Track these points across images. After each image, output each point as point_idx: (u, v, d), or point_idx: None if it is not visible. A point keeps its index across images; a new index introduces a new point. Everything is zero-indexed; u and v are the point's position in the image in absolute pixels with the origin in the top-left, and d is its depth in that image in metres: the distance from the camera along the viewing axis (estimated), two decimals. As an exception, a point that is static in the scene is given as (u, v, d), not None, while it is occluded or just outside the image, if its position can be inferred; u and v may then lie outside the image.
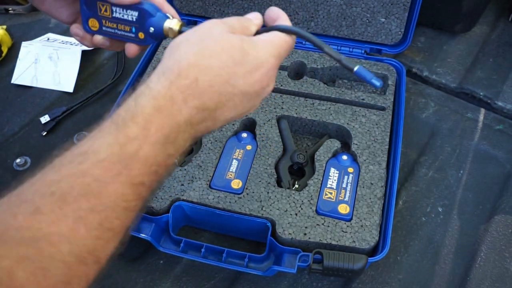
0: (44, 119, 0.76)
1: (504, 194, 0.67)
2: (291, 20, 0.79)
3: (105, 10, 0.50)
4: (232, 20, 0.43)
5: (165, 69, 0.39)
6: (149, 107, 0.37)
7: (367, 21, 0.77)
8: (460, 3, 0.83)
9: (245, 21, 0.45)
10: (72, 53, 0.84)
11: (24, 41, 0.87)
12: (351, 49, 0.79)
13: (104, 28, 0.51)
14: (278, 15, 0.46)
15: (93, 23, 0.51)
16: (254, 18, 0.46)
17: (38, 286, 0.30)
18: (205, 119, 0.40)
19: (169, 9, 0.49)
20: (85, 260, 0.33)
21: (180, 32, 0.47)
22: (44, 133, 0.75)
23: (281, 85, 0.74)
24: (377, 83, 0.44)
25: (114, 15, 0.50)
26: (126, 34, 0.50)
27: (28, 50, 0.85)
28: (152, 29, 0.48)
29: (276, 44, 0.43)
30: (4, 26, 0.89)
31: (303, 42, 0.81)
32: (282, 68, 0.76)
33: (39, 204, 0.32)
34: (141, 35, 0.49)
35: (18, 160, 0.72)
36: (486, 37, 0.89)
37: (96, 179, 0.34)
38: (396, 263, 0.61)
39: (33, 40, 0.87)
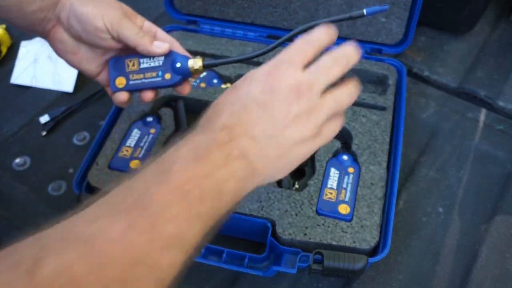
0: (44, 119, 0.76)
1: (505, 194, 0.67)
2: (291, 20, 0.80)
3: (133, 65, 0.55)
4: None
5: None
6: (177, 142, 0.41)
7: (368, 21, 0.77)
8: (461, 3, 0.83)
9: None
10: (72, 52, 0.84)
11: (23, 40, 0.87)
12: (351, 49, 0.79)
13: (131, 82, 0.55)
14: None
15: (120, 81, 0.55)
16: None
17: (96, 281, 0.32)
18: (234, 137, 0.41)
19: (185, 53, 0.55)
20: (139, 261, 0.34)
21: (204, 66, 0.53)
22: (44, 133, 0.75)
23: (281, 85, 0.73)
24: (385, 6, 0.47)
25: (141, 66, 0.54)
26: (152, 80, 0.54)
27: (27, 49, 0.85)
28: (179, 64, 0.53)
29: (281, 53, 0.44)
30: (4, 26, 0.89)
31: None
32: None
33: (95, 214, 0.36)
34: (167, 75, 0.53)
35: (17, 160, 0.71)
36: (487, 37, 0.89)
37: (143, 191, 0.37)
38: (397, 263, 0.61)
39: (32, 40, 0.87)
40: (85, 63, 0.56)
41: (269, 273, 0.56)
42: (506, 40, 0.89)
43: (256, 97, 0.42)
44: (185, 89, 0.56)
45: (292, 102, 0.42)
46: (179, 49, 0.55)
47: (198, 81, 0.75)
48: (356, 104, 0.71)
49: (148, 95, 0.55)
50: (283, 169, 0.45)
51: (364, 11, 0.47)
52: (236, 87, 0.44)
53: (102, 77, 0.57)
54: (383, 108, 0.71)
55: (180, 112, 0.71)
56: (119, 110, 0.71)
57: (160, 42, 0.53)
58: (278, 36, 0.82)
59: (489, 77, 0.83)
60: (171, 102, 0.73)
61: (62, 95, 0.81)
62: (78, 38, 0.54)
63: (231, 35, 0.82)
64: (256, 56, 0.52)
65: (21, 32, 0.90)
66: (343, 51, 0.44)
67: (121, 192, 0.38)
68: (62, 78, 0.82)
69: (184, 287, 0.59)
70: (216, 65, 0.54)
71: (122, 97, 0.55)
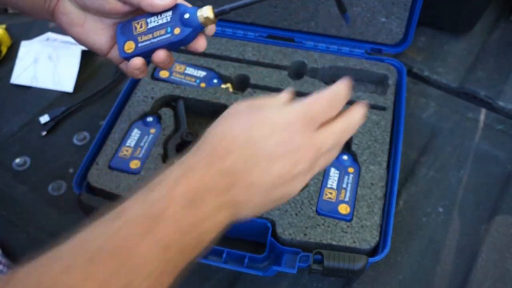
0: (44, 119, 0.76)
1: (505, 194, 0.67)
2: (291, 20, 0.80)
3: (140, 26, 0.52)
4: (260, 99, 0.46)
5: (190, 150, 0.43)
6: (173, 174, 0.39)
7: (368, 20, 0.77)
8: (461, 3, 0.83)
9: (273, 95, 0.46)
10: (72, 52, 0.84)
11: (24, 40, 0.87)
12: (351, 49, 0.79)
13: (139, 45, 0.51)
14: None
15: (129, 46, 0.52)
16: (285, 93, 0.47)
17: None
18: (234, 186, 0.40)
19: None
20: None
21: (215, 14, 0.49)
22: (44, 133, 0.75)
23: (281, 85, 0.73)
24: None
25: (149, 26, 0.51)
26: (162, 37, 0.51)
27: (28, 49, 0.85)
28: (187, 15, 0.49)
29: (303, 105, 0.43)
30: (4, 26, 0.89)
31: (303, 42, 0.80)
32: (282, 68, 0.76)
33: (71, 262, 0.33)
34: (176, 30, 0.50)
35: (17, 160, 0.71)
36: (487, 36, 0.89)
37: (125, 240, 0.35)
38: (397, 263, 0.61)
39: (32, 40, 0.87)
40: (93, 36, 0.53)
41: (269, 273, 0.56)
42: (506, 40, 0.88)
43: (270, 148, 0.41)
44: (200, 44, 0.52)
45: (300, 162, 0.42)
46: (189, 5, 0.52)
47: (198, 81, 0.75)
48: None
49: (160, 55, 0.51)
50: (260, 212, 0.44)
51: None
52: (252, 126, 0.41)
53: (114, 54, 0.54)
54: (383, 108, 0.71)
55: (180, 112, 0.71)
56: (119, 110, 0.71)
57: None
58: (278, 36, 0.83)
59: (489, 77, 0.83)
60: (171, 102, 0.73)
61: (62, 95, 0.81)
62: (83, 5, 0.51)
63: (231, 35, 0.82)
64: None
65: (21, 32, 0.90)
66: (357, 118, 0.45)
67: (103, 232, 0.36)
68: (62, 78, 0.82)
69: (184, 287, 0.59)
70: (227, 11, 0.50)
71: (137, 62, 0.51)
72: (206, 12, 0.49)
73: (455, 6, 0.84)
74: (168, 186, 0.38)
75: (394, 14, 0.75)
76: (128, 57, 0.52)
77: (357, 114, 0.45)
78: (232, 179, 0.40)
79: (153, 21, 0.51)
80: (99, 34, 0.53)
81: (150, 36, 0.51)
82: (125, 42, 0.52)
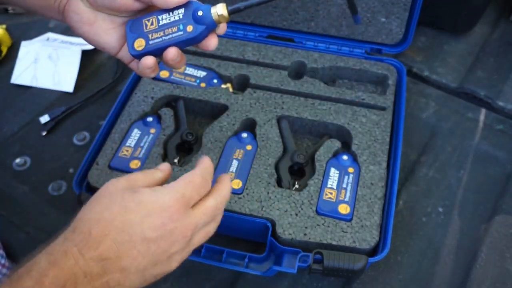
0: (44, 119, 0.76)
1: (505, 194, 0.67)
2: (291, 20, 0.80)
3: (151, 24, 0.51)
4: (136, 175, 0.47)
5: (65, 231, 0.42)
6: (44, 261, 0.38)
7: (368, 20, 0.77)
8: (461, 2, 0.83)
9: (150, 172, 0.48)
10: (72, 52, 0.84)
11: (24, 40, 0.87)
12: (351, 49, 0.79)
13: (150, 42, 0.50)
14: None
15: (140, 43, 0.51)
16: (162, 169, 0.49)
17: None
18: (108, 270, 0.40)
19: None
20: None
21: (229, 12, 0.49)
22: (44, 133, 0.75)
23: (281, 85, 0.73)
24: None
25: (160, 23, 0.50)
26: (173, 35, 0.50)
27: (28, 49, 0.85)
28: (200, 12, 0.49)
29: (177, 187, 0.44)
30: (4, 26, 0.89)
31: (302, 42, 0.80)
32: (282, 68, 0.76)
33: None
34: (189, 28, 0.49)
35: (17, 160, 0.71)
36: (487, 36, 0.89)
37: None
38: (397, 263, 0.61)
39: (32, 40, 0.87)
40: (103, 35, 0.52)
41: (269, 273, 0.56)
42: (506, 40, 0.89)
43: (145, 232, 0.41)
44: (211, 43, 0.51)
45: (175, 243, 0.43)
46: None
47: (198, 81, 0.75)
48: (356, 104, 0.71)
49: (171, 53, 0.50)
50: None
51: None
52: (127, 210, 0.42)
53: (124, 53, 0.53)
54: (383, 108, 0.71)
55: (180, 112, 0.71)
56: (119, 110, 0.71)
57: None
58: (278, 36, 0.83)
59: (489, 77, 0.83)
60: (171, 102, 0.73)
61: (62, 95, 0.81)
62: (93, 3, 0.51)
63: (231, 35, 0.82)
64: None
65: (21, 32, 0.90)
66: (226, 191, 0.48)
67: None
68: (62, 78, 0.82)
69: (184, 287, 0.59)
70: (242, 9, 0.49)
71: (148, 61, 0.50)
72: (220, 9, 0.48)
73: (455, 6, 0.84)
74: (38, 274, 0.37)
75: (394, 14, 0.75)
76: (138, 55, 0.51)
77: (226, 187, 0.48)
78: (105, 264, 0.40)
79: (164, 18, 0.50)
80: (109, 33, 0.53)
81: (162, 33, 0.50)
82: (135, 40, 0.51)
